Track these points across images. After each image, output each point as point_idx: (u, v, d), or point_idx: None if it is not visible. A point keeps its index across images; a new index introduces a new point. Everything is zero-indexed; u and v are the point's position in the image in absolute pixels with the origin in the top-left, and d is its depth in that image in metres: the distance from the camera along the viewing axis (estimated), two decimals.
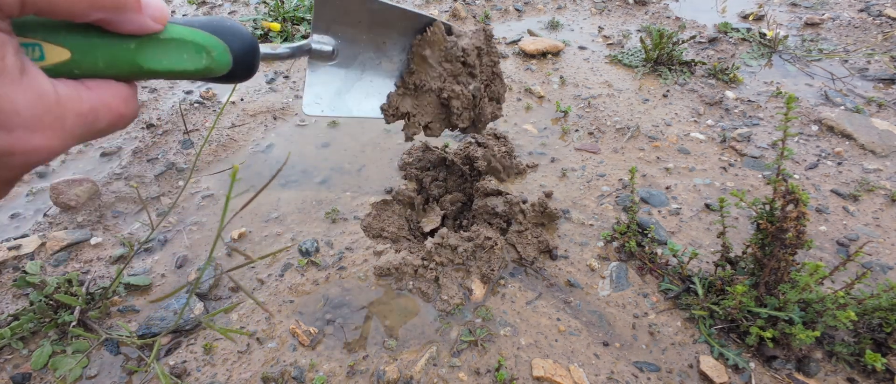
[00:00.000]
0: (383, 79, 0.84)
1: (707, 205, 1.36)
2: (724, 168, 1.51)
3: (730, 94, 1.88)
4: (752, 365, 0.97)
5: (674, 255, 1.12)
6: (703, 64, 2.04)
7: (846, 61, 2.08)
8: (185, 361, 0.97)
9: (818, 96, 1.86)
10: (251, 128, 1.69)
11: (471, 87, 0.90)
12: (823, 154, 1.57)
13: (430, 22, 0.82)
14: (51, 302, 1.03)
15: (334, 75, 0.77)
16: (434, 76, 0.87)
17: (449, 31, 0.86)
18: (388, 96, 0.85)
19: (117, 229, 1.29)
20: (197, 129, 1.67)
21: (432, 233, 1.25)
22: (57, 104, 0.33)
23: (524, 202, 1.31)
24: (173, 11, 2.56)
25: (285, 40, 2.21)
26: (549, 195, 1.38)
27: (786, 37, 2.19)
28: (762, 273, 0.99)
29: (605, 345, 1.02)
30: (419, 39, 0.83)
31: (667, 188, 1.43)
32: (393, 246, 1.21)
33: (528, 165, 1.49)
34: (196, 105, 1.79)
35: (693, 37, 2.10)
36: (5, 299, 1.10)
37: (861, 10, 2.47)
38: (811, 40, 2.24)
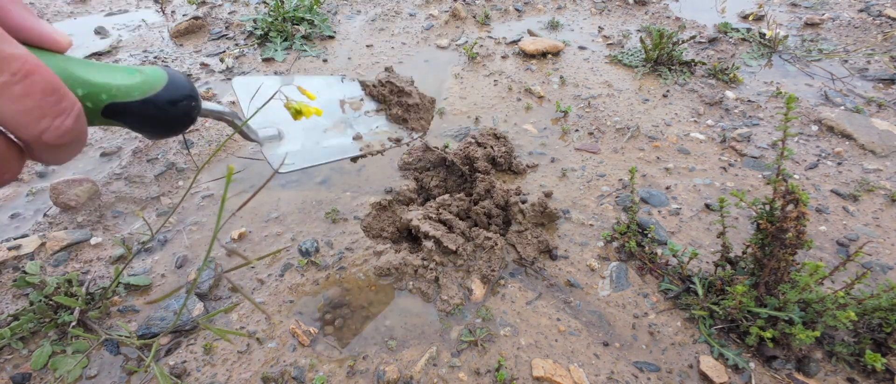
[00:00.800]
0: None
1: (707, 206, 1.36)
2: (724, 168, 1.51)
3: (730, 94, 1.88)
4: (752, 365, 0.97)
5: (674, 255, 1.11)
6: (703, 64, 2.04)
7: (846, 61, 2.08)
8: (184, 361, 0.96)
9: (818, 96, 1.87)
10: None
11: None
12: (823, 154, 1.57)
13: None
14: (51, 302, 1.03)
15: (288, 143, 0.84)
16: None
17: None
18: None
19: (117, 229, 1.29)
20: (196, 129, 1.66)
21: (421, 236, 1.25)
22: None
23: (524, 202, 1.31)
24: (173, 11, 2.56)
25: (285, 40, 2.21)
26: (549, 195, 1.38)
27: (786, 37, 2.19)
28: (762, 273, 0.99)
29: (605, 345, 1.01)
30: None
31: (667, 188, 1.43)
32: (393, 246, 1.21)
33: (528, 165, 1.49)
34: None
35: (693, 37, 2.10)
36: (5, 299, 1.10)
37: (861, 10, 2.47)
38: (811, 40, 2.24)
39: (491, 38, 2.32)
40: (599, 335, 1.03)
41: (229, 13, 2.52)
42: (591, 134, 1.66)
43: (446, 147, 1.47)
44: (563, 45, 2.18)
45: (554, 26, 2.41)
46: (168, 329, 0.91)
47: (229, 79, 1.97)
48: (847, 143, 1.62)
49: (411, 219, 1.19)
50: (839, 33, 2.30)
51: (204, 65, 2.06)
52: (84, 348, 0.98)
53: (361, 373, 0.95)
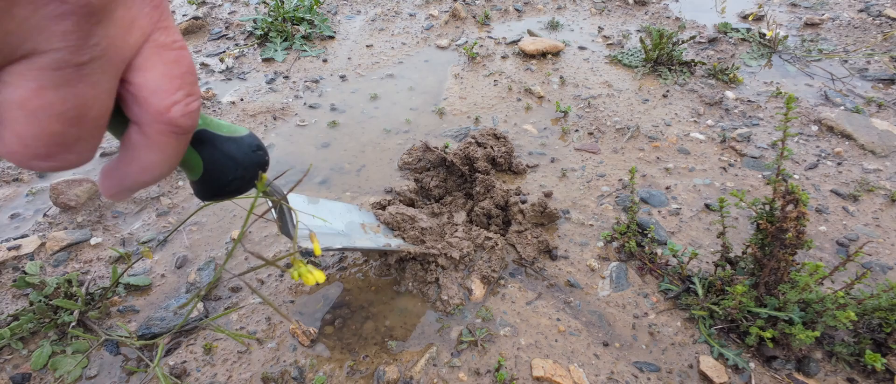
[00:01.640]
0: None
1: (707, 206, 1.36)
2: (724, 168, 1.51)
3: (729, 94, 1.88)
4: (752, 365, 0.97)
5: (674, 255, 1.12)
6: (703, 64, 2.04)
7: (846, 61, 2.08)
8: (184, 361, 0.96)
9: (818, 96, 1.87)
10: (251, 128, 1.69)
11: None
12: (823, 154, 1.57)
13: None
14: (50, 302, 1.03)
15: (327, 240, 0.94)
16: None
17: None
18: None
19: (117, 229, 1.29)
20: None
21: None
22: None
23: (524, 202, 1.31)
24: (173, 11, 2.56)
25: (285, 40, 2.21)
26: (549, 195, 1.38)
27: (785, 37, 2.19)
28: (762, 273, 0.99)
29: (605, 345, 1.02)
30: None
31: (667, 188, 1.43)
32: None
33: (527, 165, 1.49)
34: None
35: (693, 37, 2.10)
36: (5, 299, 1.09)
37: (861, 11, 2.47)
38: (811, 40, 2.25)
39: (491, 38, 2.32)
40: (599, 335, 1.03)
41: (229, 13, 2.52)
42: (590, 134, 1.66)
43: (446, 147, 1.47)
44: (562, 46, 2.18)
45: (554, 26, 2.41)
46: (174, 329, 0.91)
47: (229, 79, 1.98)
48: (847, 143, 1.62)
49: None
50: (839, 33, 2.30)
51: (204, 65, 2.06)
52: (84, 348, 0.98)
53: (361, 373, 0.95)
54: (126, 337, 0.99)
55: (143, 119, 0.32)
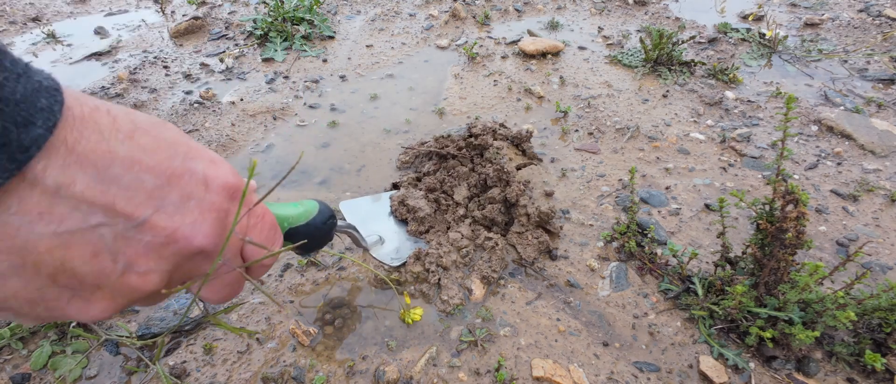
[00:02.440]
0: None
1: (707, 206, 1.36)
2: (724, 168, 1.51)
3: (729, 94, 1.88)
4: (752, 365, 0.97)
5: (673, 255, 1.12)
6: (703, 64, 2.04)
7: (846, 61, 2.08)
8: (184, 361, 0.96)
9: (818, 96, 1.87)
10: (251, 128, 1.69)
11: None
12: (823, 154, 1.57)
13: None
14: None
15: (388, 244, 1.18)
16: None
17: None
18: None
19: None
20: (196, 130, 1.67)
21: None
22: None
23: (531, 198, 1.31)
24: (173, 12, 2.56)
25: (285, 40, 2.21)
26: (549, 195, 1.38)
27: (785, 37, 2.19)
28: (762, 273, 0.99)
29: (605, 345, 1.02)
30: None
31: (666, 188, 1.43)
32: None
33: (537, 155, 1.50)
34: (196, 105, 1.79)
35: (693, 37, 2.10)
36: None
37: (861, 11, 2.48)
38: (811, 40, 2.25)
39: (491, 38, 2.32)
40: (599, 335, 1.03)
41: (229, 13, 2.52)
42: (590, 134, 1.66)
43: (448, 136, 1.46)
44: (562, 46, 2.18)
45: (554, 26, 2.41)
46: (171, 329, 0.91)
47: (229, 79, 1.98)
48: (847, 143, 1.62)
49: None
50: (839, 33, 2.30)
51: (204, 65, 2.06)
52: (84, 348, 0.98)
53: (361, 373, 0.95)
54: (126, 337, 0.99)
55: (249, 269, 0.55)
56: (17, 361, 0.96)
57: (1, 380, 0.94)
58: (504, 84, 1.94)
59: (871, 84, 1.94)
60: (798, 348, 0.96)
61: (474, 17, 2.50)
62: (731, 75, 1.96)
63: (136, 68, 2.05)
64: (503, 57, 2.15)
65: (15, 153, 0.27)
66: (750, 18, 2.48)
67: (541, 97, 1.86)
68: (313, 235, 0.65)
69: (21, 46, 2.26)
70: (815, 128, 1.70)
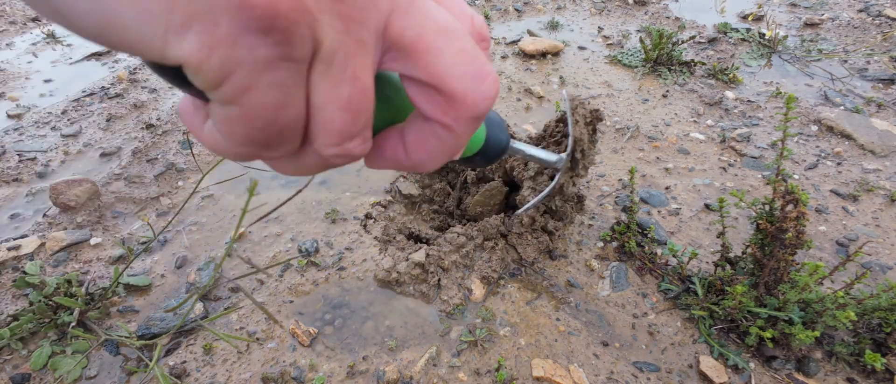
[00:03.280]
0: None
1: (707, 206, 1.36)
2: (724, 168, 1.51)
3: (729, 94, 1.88)
4: (752, 365, 0.97)
5: (673, 255, 1.12)
6: (703, 64, 2.04)
7: (845, 61, 2.08)
8: (184, 361, 0.96)
9: (818, 96, 1.87)
10: None
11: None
12: (823, 154, 1.57)
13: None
14: (50, 302, 1.03)
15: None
16: None
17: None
18: None
19: (117, 230, 1.29)
20: None
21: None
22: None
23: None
24: None
25: None
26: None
27: (785, 37, 2.19)
28: (762, 273, 0.99)
29: (605, 345, 1.02)
30: None
31: (666, 188, 1.43)
32: (393, 246, 1.21)
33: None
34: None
35: (692, 37, 2.10)
36: (5, 299, 1.09)
37: (860, 11, 2.48)
38: (810, 40, 2.25)
39: (490, 38, 2.32)
40: (599, 335, 1.03)
41: None
42: None
43: None
44: (562, 46, 2.18)
45: (553, 26, 2.41)
46: (172, 330, 0.91)
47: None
48: (846, 143, 1.62)
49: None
50: (839, 33, 2.30)
51: None
52: (84, 348, 0.97)
53: (361, 373, 0.95)
54: (126, 337, 0.99)
55: (434, 112, 0.29)
56: (17, 361, 0.96)
57: (1, 380, 0.93)
58: (504, 84, 1.94)
59: (871, 84, 1.94)
60: (798, 348, 0.96)
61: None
62: (731, 75, 1.96)
63: (135, 68, 2.05)
64: (503, 57, 2.14)
65: None
66: (750, 18, 2.48)
67: (541, 97, 1.86)
68: (485, 159, 0.53)
69: (21, 46, 2.26)
70: (815, 128, 1.70)
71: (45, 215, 1.32)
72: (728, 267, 1.08)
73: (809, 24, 2.39)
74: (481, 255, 1.15)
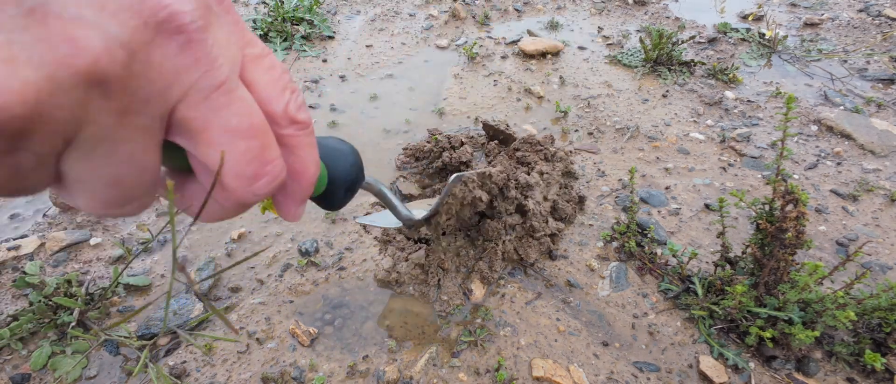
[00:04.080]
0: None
1: (706, 206, 1.36)
2: (724, 168, 1.51)
3: (729, 94, 1.88)
4: (752, 365, 0.97)
5: (673, 255, 1.12)
6: (703, 64, 2.04)
7: (845, 61, 2.08)
8: (184, 361, 0.96)
9: (817, 96, 1.87)
10: None
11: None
12: (823, 154, 1.57)
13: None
14: (50, 302, 1.03)
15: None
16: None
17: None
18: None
19: (116, 230, 1.29)
20: None
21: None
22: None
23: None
24: None
25: (284, 40, 2.21)
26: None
27: (785, 37, 2.19)
28: (762, 273, 0.99)
29: (605, 345, 1.02)
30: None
31: (666, 188, 1.43)
32: (393, 247, 1.21)
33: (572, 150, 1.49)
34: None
35: (692, 37, 2.10)
36: (5, 300, 1.09)
37: (860, 11, 2.48)
38: (810, 40, 2.25)
39: (490, 38, 2.32)
40: (599, 335, 1.03)
41: None
42: (590, 134, 1.66)
43: (434, 138, 1.46)
44: (562, 46, 2.18)
45: (553, 26, 2.41)
46: (169, 330, 0.91)
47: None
48: (846, 142, 1.62)
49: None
50: (838, 33, 2.30)
51: None
52: (83, 348, 0.97)
53: (361, 373, 0.95)
54: (126, 337, 0.99)
55: (208, 187, 0.32)
56: (16, 361, 0.96)
57: (1, 380, 0.93)
58: (504, 84, 1.94)
59: (871, 84, 1.94)
60: (798, 348, 0.96)
61: (474, 17, 2.50)
62: (731, 75, 1.96)
63: None
64: (503, 57, 2.14)
65: None
66: (750, 18, 2.48)
67: (541, 97, 1.86)
68: (351, 167, 0.48)
69: None
70: (814, 128, 1.70)
71: (44, 215, 1.32)
72: (728, 267, 1.08)
73: (809, 24, 2.39)
74: (481, 256, 1.15)
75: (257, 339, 1.00)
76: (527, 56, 2.14)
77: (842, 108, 1.78)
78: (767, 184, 1.28)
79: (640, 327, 1.05)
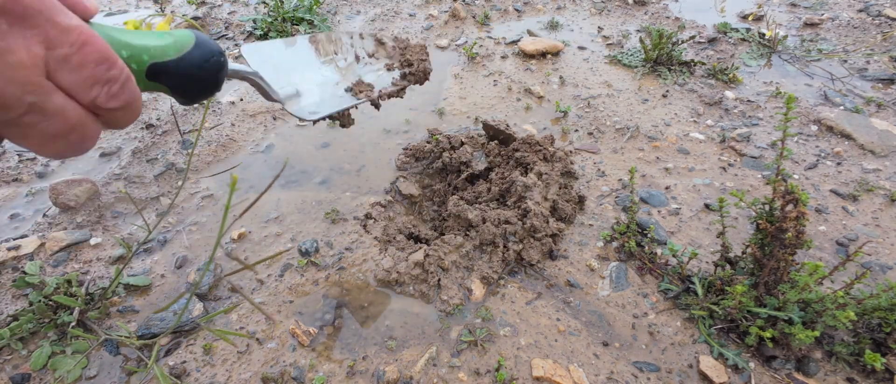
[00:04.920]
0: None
1: (706, 205, 1.36)
2: (724, 168, 1.51)
3: (729, 94, 1.88)
4: (752, 365, 0.97)
5: (673, 255, 1.12)
6: (703, 64, 2.04)
7: (845, 61, 2.08)
8: (184, 361, 0.96)
9: (817, 96, 1.87)
10: (251, 128, 1.68)
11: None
12: (823, 154, 1.57)
13: None
14: (50, 302, 1.03)
15: (306, 97, 0.88)
16: None
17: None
18: None
19: (117, 230, 1.29)
20: (195, 129, 1.66)
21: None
22: None
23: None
24: (173, 12, 2.56)
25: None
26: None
27: (785, 37, 2.19)
28: (762, 273, 0.99)
29: (605, 345, 1.02)
30: None
31: (666, 188, 1.43)
32: (396, 249, 1.21)
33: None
34: (196, 105, 1.79)
35: (692, 37, 2.10)
36: (5, 299, 1.09)
37: (860, 11, 2.48)
38: (810, 40, 2.25)
39: (490, 38, 2.32)
40: (599, 335, 1.03)
41: (229, 13, 2.52)
42: (590, 134, 1.66)
43: (435, 138, 1.46)
44: (562, 46, 2.18)
45: (553, 26, 2.41)
46: (169, 330, 0.91)
47: (230, 79, 1.97)
48: (846, 142, 1.62)
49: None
50: (838, 33, 2.30)
51: None
52: (83, 348, 0.97)
53: (361, 373, 0.95)
54: (126, 337, 0.99)
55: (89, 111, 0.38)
56: (17, 361, 0.96)
57: (1, 380, 0.93)
58: (504, 84, 1.94)
59: (871, 84, 1.94)
60: (798, 348, 0.96)
61: (474, 18, 2.50)
62: (731, 75, 1.96)
63: None
64: (503, 57, 2.14)
65: None
66: (750, 18, 2.48)
67: (541, 97, 1.86)
68: (190, 75, 0.48)
69: None
70: (814, 128, 1.70)
71: (44, 215, 1.32)
72: (728, 267, 1.08)
73: (809, 24, 2.39)
74: (481, 256, 1.15)
75: (257, 340, 1.01)
76: (527, 56, 2.14)
77: (842, 107, 1.78)
78: (767, 184, 1.28)
79: (640, 327, 1.05)
